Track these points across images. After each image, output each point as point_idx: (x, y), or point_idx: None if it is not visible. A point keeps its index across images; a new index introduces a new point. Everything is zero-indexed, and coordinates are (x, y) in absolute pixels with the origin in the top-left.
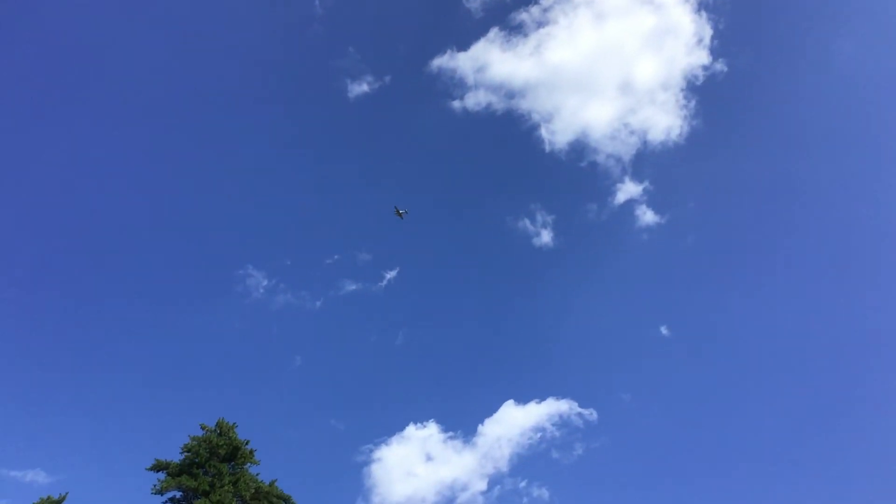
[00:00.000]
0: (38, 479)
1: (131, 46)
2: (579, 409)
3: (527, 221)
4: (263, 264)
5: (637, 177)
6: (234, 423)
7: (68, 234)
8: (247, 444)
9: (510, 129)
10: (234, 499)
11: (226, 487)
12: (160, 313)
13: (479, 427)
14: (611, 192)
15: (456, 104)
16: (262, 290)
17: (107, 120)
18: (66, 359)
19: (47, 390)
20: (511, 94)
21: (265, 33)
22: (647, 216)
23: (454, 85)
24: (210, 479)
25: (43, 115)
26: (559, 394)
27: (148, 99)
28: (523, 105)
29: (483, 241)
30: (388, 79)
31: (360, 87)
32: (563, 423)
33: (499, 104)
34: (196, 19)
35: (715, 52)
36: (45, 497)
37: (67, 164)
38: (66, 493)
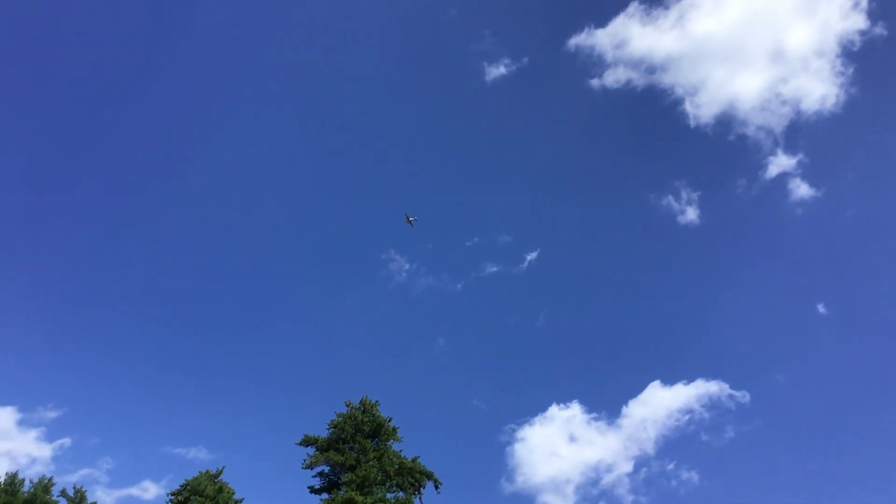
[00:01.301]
0: (200, 455)
1: (270, 36)
2: (730, 391)
3: (671, 199)
4: (405, 248)
5: (790, 149)
6: (377, 401)
7: (229, 227)
8: (389, 421)
9: (652, 104)
10: (379, 473)
11: (371, 462)
12: (308, 298)
13: (624, 408)
14: (761, 166)
15: (594, 82)
16: (404, 274)
17: (269, 117)
18: (224, 343)
19: (206, 375)
20: (652, 69)
21: (401, 20)
22: (802, 190)
23: (592, 63)
24: (356, 454)
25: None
26: (709, 375)
27: (302, 92)
28: (665, 79)
29: (626, 219)
30: (525, 60)
31: (497, 70)
32: (712, 404)
33: (639, 80)
34: (334, 4)
35: (873, 16)
36: (203, 471)
37: (232, 163)
38: (223, 468)
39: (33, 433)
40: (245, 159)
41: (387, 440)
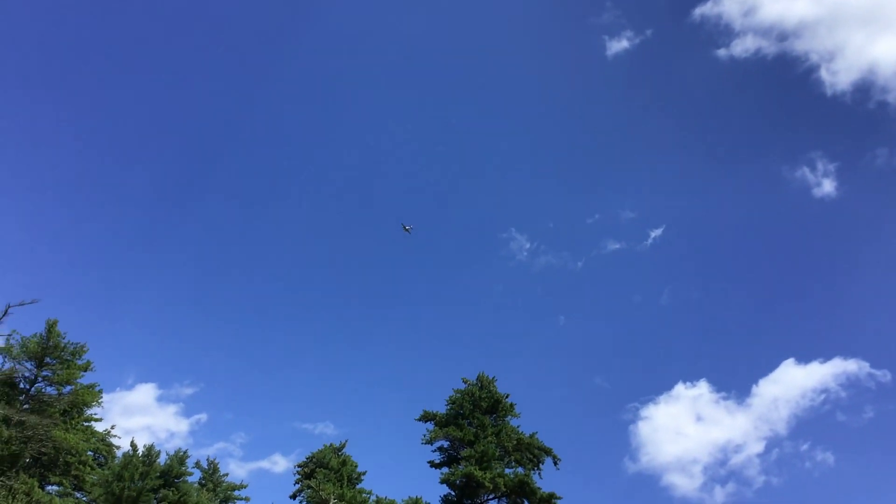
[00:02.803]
0: (327, 430)
1: (402, 20)
2: (870, 370)
3: (806, 170)
4: (526, 227)
5: None
6: (494, 378)
7: (349, 211)
8: (506, 397)
9: (784, 73)
10: (497, 449)
11: (489, 438)
12: (429, 278)
13: (754, 387)
14: None
15: (721, 52)
16: (525, 253)
17: (395, 98)
18: (350, 323)
19: (332, 354)
20: (783, 36)
21: None
22: None
23: (719, 33)
24: (474, 430)
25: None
26: (847, 353)
27: (420, 69)
28: (799, 46)
29: (757, 193)
30: (649, 32)
31: (619, 44)
32: (850, 383)
33: (770, 48)
34: None
35: None
36: (328, 444)
37: (356, 147)
38: (346, 441)
39: (172, 408)
40: (369, 142)
41: (504, 416)
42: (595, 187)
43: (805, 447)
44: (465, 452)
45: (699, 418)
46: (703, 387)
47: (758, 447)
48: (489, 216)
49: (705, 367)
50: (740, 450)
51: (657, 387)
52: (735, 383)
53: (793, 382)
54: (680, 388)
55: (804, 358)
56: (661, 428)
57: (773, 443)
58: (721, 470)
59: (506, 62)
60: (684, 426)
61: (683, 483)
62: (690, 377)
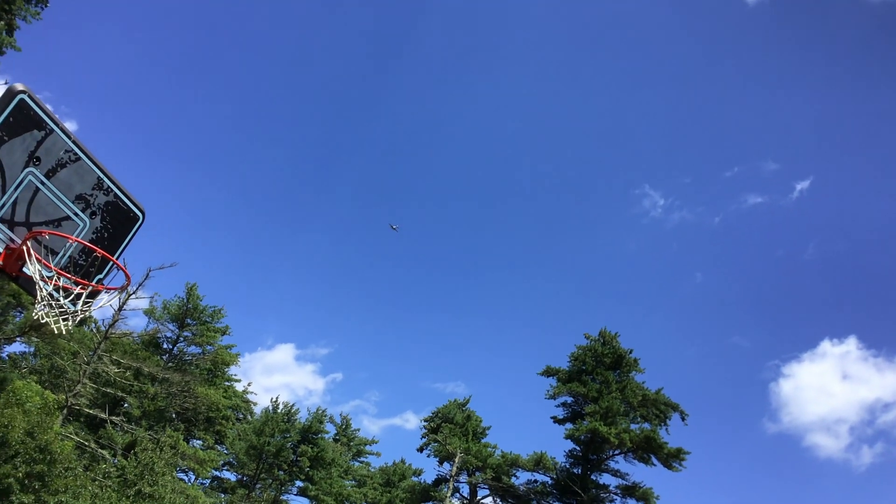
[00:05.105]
0: (458, 390)
1: None
2: None
3: None
4: (660, 183)
5: None
6: (617, 333)
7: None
8: (630, 352)
9: None
10: (622, 405)
11: (613, 394)
12: (559, 238)
13: None
14: None
15: None
16: (659, 210)
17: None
18: (482, 283)
19: (467, 315)
20: None
21: None
22: None
23: None
24: (598, 385)
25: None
26: None
27: (553, 26)
28: None
29: None
30: None
31: None
32: None
33: None
34: None
35: None
36: (452, 400)
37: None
38: (470, 397)
39: (309, 367)
40: (512, 105)
41: (628, 372)
42: (734, 139)
43: None
44: (588, 408)
45: (846, 376)
46: (851, 343)
47: None
48: (621, 173)
49: (854, 323)
50: (890, 409)
51: (801, 344)
52: (887, 340)
53: None
54: (826, 346)
55: None
56: (804, 387)
57: None
58: (869, 430)
59: (639, 14)
60: (830, 384)
61: (828, 443)
62: (838, 334)
